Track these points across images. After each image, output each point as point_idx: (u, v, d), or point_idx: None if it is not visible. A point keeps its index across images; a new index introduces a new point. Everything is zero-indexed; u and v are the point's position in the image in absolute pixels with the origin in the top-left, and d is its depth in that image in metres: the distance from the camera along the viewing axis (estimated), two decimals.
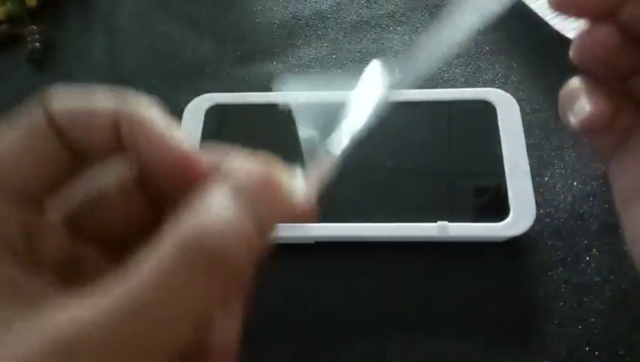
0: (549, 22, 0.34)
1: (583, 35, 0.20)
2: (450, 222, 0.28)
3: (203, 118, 0.32)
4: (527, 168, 0.29)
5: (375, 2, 0.38)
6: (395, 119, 0.31)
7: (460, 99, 0.32)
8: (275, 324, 0.27)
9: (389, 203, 0.29)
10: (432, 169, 0.30)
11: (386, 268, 0.28)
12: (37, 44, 0.37)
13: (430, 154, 0.30)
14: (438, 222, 0.28)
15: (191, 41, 0.37)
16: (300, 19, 0.38)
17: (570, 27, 0.33)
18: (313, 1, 0.39)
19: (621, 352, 0.25)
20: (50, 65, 0.38)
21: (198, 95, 0.33)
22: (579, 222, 0.29)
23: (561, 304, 0.27)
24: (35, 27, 0.38)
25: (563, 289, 0.27)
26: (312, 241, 0.29)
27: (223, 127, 0.32)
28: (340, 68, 0.35)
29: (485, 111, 0.31)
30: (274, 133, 0.32)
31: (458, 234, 0.27)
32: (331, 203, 0.29)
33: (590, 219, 0.29)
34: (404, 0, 0.38)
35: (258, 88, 0.35)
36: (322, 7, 0.38)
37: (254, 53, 0.37)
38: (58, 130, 0.16)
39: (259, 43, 0.37)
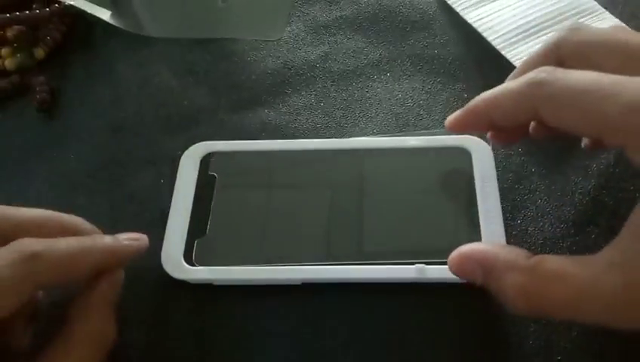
0: None
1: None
2: (426, 264, 0.30)
3: (199, 165, 0.35)
4: (500, 212, 0.31)
5: (360, 52, 0.41)
6: (377, 164, 0.34)
7: (437, 146, 0.34)
8: None
9: (370, 245, 0.31)
10: (409, 211, 0.32)
11: (365, 307, 0.30)
12: (45, 94, 0.40)
13: (409, 199, 0.32)
14: (416, 265, 0.30)
15: (187, 90, 0.40)
16: (290, 69, 0.40)
17: None
18: (303, 51, 0.41)
19: None
20: (58, 114, 0.40)
21: (194, 142, 0.36)
22: None
23: (531, 342, 0.28)
24: (43, 78, 0.41)
25: (532, 329, 0.29)
26: (300, 282, 0.31)
27: (217, 172, 0.34)
28: (326, 115, 0.38)
29: (461, 157, 0.33)
30: (265, 176, 0.34)
31: (435, 276, 0.29)
32: (317, 247, 0.31)
33: None
34: (388, 50, 0.40)
35: (251, 135, 0.37)
36: (311, 57, 0.41)
37: (247, 101, 0.39)
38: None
39: (251, 91, 0.39)
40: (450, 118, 0.30)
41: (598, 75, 0.24)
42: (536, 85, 0.25)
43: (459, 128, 0.29)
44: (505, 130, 0.30)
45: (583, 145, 0.32)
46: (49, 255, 0.25)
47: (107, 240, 0.28)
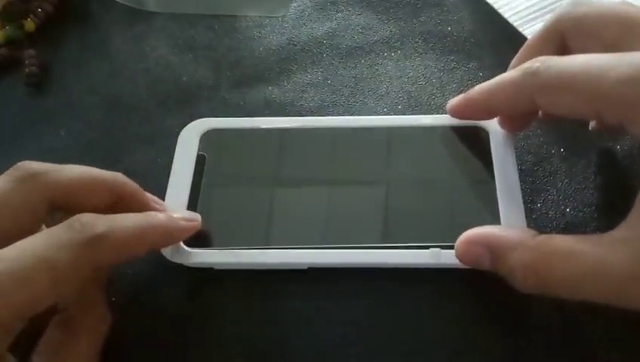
0: None
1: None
2: (442, 248, 0.28)
3: (198, 141, 0.33)
4: (520, 195, 0.29)
5: (370, 29, 0.39)
6: (388, 145, 0.32)
7: (453, 125, 0.32)
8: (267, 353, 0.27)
9: (382, 229, 0.29)
10: (425, 194, 0.30)
11: (377, 294, 0.28)
12: (34, 67, 0.38)
13: (424, 180, 0.30)
14: (431, 249, 0.28)
15: (187, 65, 0.38)
16: (295, 45, 0.38)
17: None
18: (309, 27, 0.39)
19: None
20: (49, 89, 0.38)
21: (194, 120, 0.34)
22: None
23: (557, 332, 0.26)
24: (33, 51, 0.39)
25: (559, 318, 0.27)
26: (305, 267, 0.29)
27: (218, 150, 0.32)
28: (334, 93, 0.36)
29: (478, 137, 0.31)
30: (269, 157, 0.32)
31: (450, 261, 0.27)
32: (324, 229, 0.29)
33: None
34: (398, 27, 0.38)
35: (254, 113, 0.35)
36: (318, 33, 0.39)
37: (250, 77, 0.37)
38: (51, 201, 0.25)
39: (255, 68, 0.37)
40: (451, 103, 0.30)
41: (589, 56, 0.24)
42: (530, 75, 0.25)
43: (458, 115, 0.30)
44: (510, 118, 0.30)
45: (590, 127, 0.31)
46: (112, 237, 0.23)
47: (164, 219, 0.27)
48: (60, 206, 0.25)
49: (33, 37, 0.40)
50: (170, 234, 0.27)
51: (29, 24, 0.40)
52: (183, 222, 0.27)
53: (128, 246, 0.24)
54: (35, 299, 0.21)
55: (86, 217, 0.23)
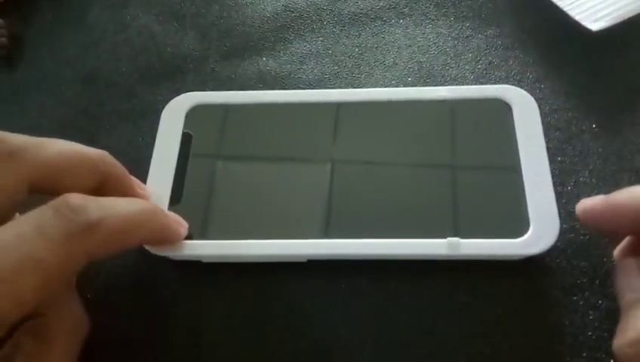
0: (568, 11, 0.30)
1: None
2: (461, 238, 0.24)
3: (184, 118, 0.29)
4: (549, 176, 0.25)
5: None
6: (397, 121, 0.28)
7: (471, 97, 0.28)
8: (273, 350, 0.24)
9: (391, 217, 0.25)
10: (440, 177, 0.26)
11: (387, 290, 0.25)
12: (4, 38, 0.34)
13: (438, 161, 0.27)
14: (448, 239, 0.24)
15: (172, 35, 0.34)
16: (292, 12, 0.34)
17: (592, 18, 0.30)
18: None
19: None
20: (21, 62, 0.34)
21: (179, 94, 0.30)
22: (606, 239, 0.25)
23: (590, 334, 0.23)
24: (2, 21, 0.35)
25: (591, 317, 0.23)
26: (305, 260, 0.25)
27: (206, 128, 0.29)
28: (336, 64, 0.32)
29: (500, 112, 0.28)
30: (263, 136, 0.28)
31: (470, 252, 0.24)
32: (325, 217, 0.26)
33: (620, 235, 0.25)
34: None
35: (246, 87, 0.31)
36: None
37: (242, 48, 0.33)
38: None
39: (247, 37, 0.34)
40: (584, 206, 0.23)
41: None
42: None
43: (594, 223, 0.23)
44: None
45: None
46: (107, 224, 0.20)
47: (159, 209, 0.24)
48: (40, 187, 0.21)
49: (3, 6, 0.36)
50: (167, 228, 0.24)
51: None
52: (174, 226, 0.25)
53: (124, 235, 0.21)
54: (19, 305, 0.17)
55: (75, 199, 0.19)
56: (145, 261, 0.26)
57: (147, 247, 0.25)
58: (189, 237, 0.25)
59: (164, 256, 0.25)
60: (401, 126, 0.28)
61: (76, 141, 0.23)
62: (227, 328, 0.24)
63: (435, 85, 0.30)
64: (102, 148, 0.24)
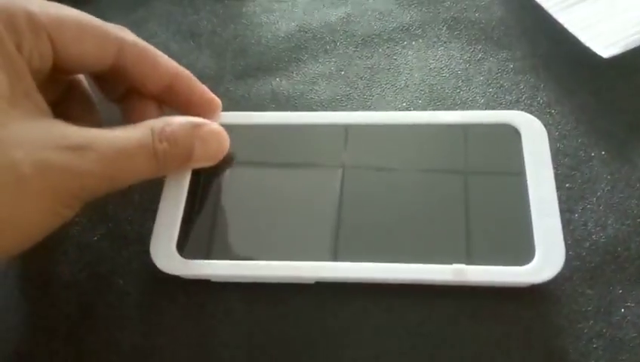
0: (579, 37, 0.31)
1: None
2: (467, 264, 0.24)
3: None
4: (556, 203, 0.26)
5: (388, 15, 0.35)
6: (405, 146, 0.28)
7: (479, 122, 0.28)
8: None
9: (398, 241, 0.26)
10: (446, 203, 0.26)
11: (391, 315, 0.25)
12: None
13: (445, 186, 0.27)
14: (454, 265, 0.24)
15: (188, 53, 0.35)
16: (306, 32, 0.35)
17: (603, 44, 0.30)
18: (321, 12, 0.36)
19: None
20: None
21: None
22: (613, 267, 0.25)
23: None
24: None
25: (595, 345, 0.24)
26: (313, 281, 0.26)
27: None
28: (348, 85, 0.32)
29: (508, 137, 0.28)
30: (275, 157, 0.29)
31: (475, 279, 0.24)
32: (334, 239, 0.26)
33: (627, 264, 0.25)
34: (420, 12, 0.35)
35: (259, 106, 0.32)
36: (331, 19, 0.35)
37: (256, 68, 0.34)
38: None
39: (261, 57, 0.34)
40: None
41: None
42: None
43: None
44: None
45: None
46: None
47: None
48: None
49: None
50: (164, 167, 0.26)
51: None
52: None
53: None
54: None
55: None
56: (155, 279, 0.26)
57: (158, 265, 0.26)
58: (198, 256, 0.26)
59: (174, 275, 0.26)
60: (410, 151, 0.28)
61: None
62: (235, 347, 0.25)
63: (446, 108, 0.31)
64: None
